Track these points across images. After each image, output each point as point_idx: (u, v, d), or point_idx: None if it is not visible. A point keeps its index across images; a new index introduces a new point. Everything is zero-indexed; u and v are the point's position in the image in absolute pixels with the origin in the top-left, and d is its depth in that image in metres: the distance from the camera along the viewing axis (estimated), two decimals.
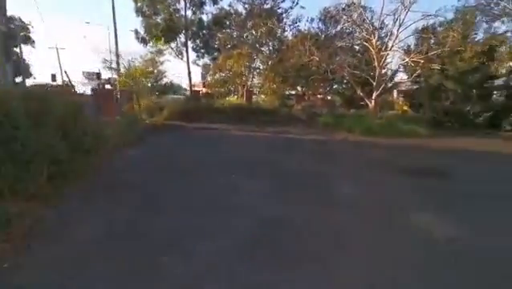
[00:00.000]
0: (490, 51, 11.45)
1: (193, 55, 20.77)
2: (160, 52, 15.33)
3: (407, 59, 11.16)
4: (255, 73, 19.05)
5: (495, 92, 12.56)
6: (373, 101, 12.10)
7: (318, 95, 21.11)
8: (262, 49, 17.85)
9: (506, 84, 11.99)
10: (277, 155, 6.96)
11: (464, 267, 2.40)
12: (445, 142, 9.08)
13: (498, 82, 12.25)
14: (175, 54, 18.83)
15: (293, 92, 21.27)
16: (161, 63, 14.99)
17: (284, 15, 17.30)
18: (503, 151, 7.91)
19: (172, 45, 18.49)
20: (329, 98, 19.75)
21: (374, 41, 11.59)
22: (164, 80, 17.08)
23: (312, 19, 17.60)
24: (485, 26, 12.14)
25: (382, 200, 4.06)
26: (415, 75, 12.25)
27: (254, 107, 16.07)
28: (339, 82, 17.92)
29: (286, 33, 17.84)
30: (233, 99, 18.70)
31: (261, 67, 18.32)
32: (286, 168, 5.60)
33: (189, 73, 17.44)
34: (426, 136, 9.86)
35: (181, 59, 18.74)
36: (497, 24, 12.45)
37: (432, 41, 11.91)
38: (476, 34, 12.13)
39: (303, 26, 18.43)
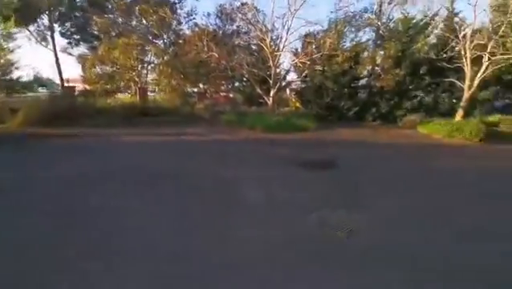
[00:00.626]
0: (356, 57, 14.03)
1: (63, 42, 16.66)
2: (8, 37, 11.36)
3: (296, 60, 12.25)
4: (150, 68, 17.06)
5: (360, 91, 15.54)
6: (271, 99, 12.77)
7: (221, 93, 21.00)
8: (156, 41, 16.08)
9: (367, 84, 15.00)
10: (178, 160, 6.21)
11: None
12: (330, 134, 10.44)
13: (362, 82, 15.23)
14: (36, 39, 14.57)
15: (196, 90, 20.37)
16: (10, 51, 11.18)
17: (178, 5, 16.06)
18: (370, 139, 9.73)
19: (32, 28, 14.22)
20: (231, 95, 19.89)
21: (268, 41, 12.17)
22: (18, 73, 12.91)
23: (209, 14, 17.13)
24: (352, 35, 14.79)
25: (284, 198, 4.03)
26: (303, 75, 13.66)
27: (152, 106, 14.33)
28: (239, 80, 18.22)
29: (182, 26, 16.69)
30: (125, 97, 16.12)
31: (156, 62, 16.51)
32: (188, 175, 5.01)
33: (58, 64, 13.84)
34: (315, 130, 11.12)
35: (46, 46, 14.67)
36: (361, 34, 15.40)
37: (314, 46, 13.56)
38: (345, 42, 14.61)
39: (200, 20, 17.74)
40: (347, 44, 14.84)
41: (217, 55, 11.80)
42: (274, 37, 14.13)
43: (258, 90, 13.04)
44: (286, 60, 15.30)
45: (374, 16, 15.87)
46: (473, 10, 10.32)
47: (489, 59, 10.58)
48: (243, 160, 6.36)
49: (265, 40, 12.23)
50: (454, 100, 13.57)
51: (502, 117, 12.39)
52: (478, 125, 10.05)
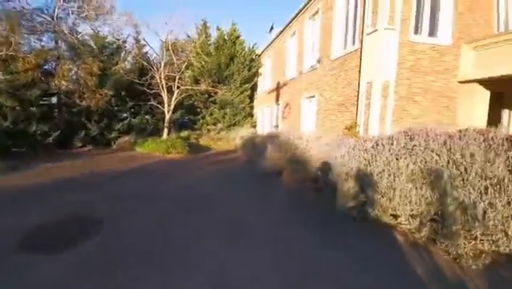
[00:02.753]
0: (43, 66, 10.70)
1: None
2: None
3: None
4: None
5: (56, 110, 12.23)
6: None
7: None
8: None
9: (66, 102, 12.12)
10: None
11: None
12: (33, 177, 6.99)
13: (55, 99, 12.04)
14: None
15: None
16: None
17: None
18: (101, 171, 7.97)
19: None
20: None
21: None
22: None
23: None
24: (32, 38, 10.91)
25: None
26: None
27: None
28: None
29: None
30: None
31: None
32: None
33: None
34: (6, 171, 6.92)
35: None
36: (45, 39, 11.84)
37: None
38: (23, 44, 10.45)
39: None
40: (26, 49, 10.88)
41: None
42: None
43: None
44: None
45: (54, 21, 13.13)
46: (163, 47, 12.36)
47: (178, 88, 13.41)
48: None
49: None
50: (156, 121, 15.52)
51: (189, 132, 16.48)
52: (182, 142, 12.38)
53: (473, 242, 2.90)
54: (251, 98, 17.86)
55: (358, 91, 6.78)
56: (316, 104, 9.19)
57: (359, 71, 6.73)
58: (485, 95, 6.59)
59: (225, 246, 3.22)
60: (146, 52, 14.64)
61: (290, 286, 2.44)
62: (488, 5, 6.86)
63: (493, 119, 7.03)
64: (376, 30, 6.05)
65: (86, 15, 11.91)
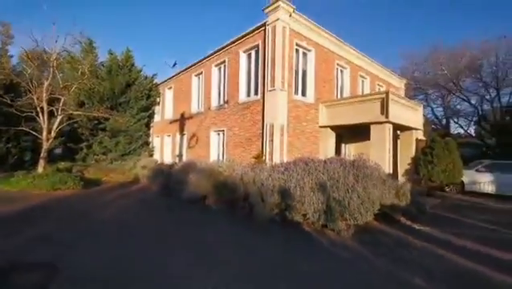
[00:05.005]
0: None
1: None
2: None
3: None
4: None
5: None
6: None
7: None
8: None
9: None
10: None
11: None
12: None
13: None
14: None
15: None
16: None
17: None
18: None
19: None
20: None
21: None
22: None
23: None
24: None
25: None
26: None
27: None
28: None
29: None
30: None
31: None
32: None
33: None
34: None
35: None
36: None
37: None
38: None
39: None
40: None
41: None
42: None
43: None
44: None
45: None
46: (52, 65, 10.70)
47: (62, 111, 11.64)
48: None
49: None
50: (21, 150, 12.36)
51: (69, 163, 13.97)
52: (71, 175, 10.76)
53: (345, 221, 5.28)
54: (148, 126, 17.50)
55: (262, 130, 9.07)
56: (226, 137, 10.91)
57: (263, 115, 9.09)
58: (333, 135, 10.48)
59: (197, 258, 4.17)
60: (14, 66, 11.83)
61: (254, 255, 3.85)
62: (331, 78, 11.13)
63: (338, 150, 11.12)
64: (275, 89, 8.65)
65: None
